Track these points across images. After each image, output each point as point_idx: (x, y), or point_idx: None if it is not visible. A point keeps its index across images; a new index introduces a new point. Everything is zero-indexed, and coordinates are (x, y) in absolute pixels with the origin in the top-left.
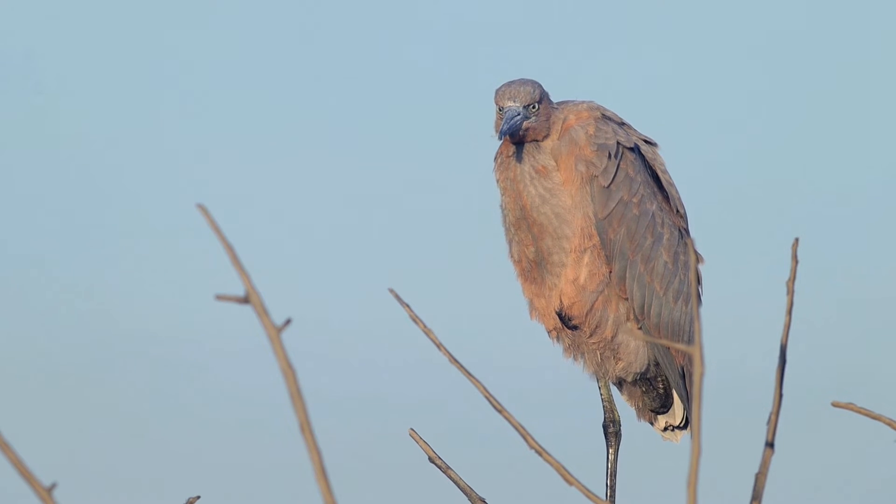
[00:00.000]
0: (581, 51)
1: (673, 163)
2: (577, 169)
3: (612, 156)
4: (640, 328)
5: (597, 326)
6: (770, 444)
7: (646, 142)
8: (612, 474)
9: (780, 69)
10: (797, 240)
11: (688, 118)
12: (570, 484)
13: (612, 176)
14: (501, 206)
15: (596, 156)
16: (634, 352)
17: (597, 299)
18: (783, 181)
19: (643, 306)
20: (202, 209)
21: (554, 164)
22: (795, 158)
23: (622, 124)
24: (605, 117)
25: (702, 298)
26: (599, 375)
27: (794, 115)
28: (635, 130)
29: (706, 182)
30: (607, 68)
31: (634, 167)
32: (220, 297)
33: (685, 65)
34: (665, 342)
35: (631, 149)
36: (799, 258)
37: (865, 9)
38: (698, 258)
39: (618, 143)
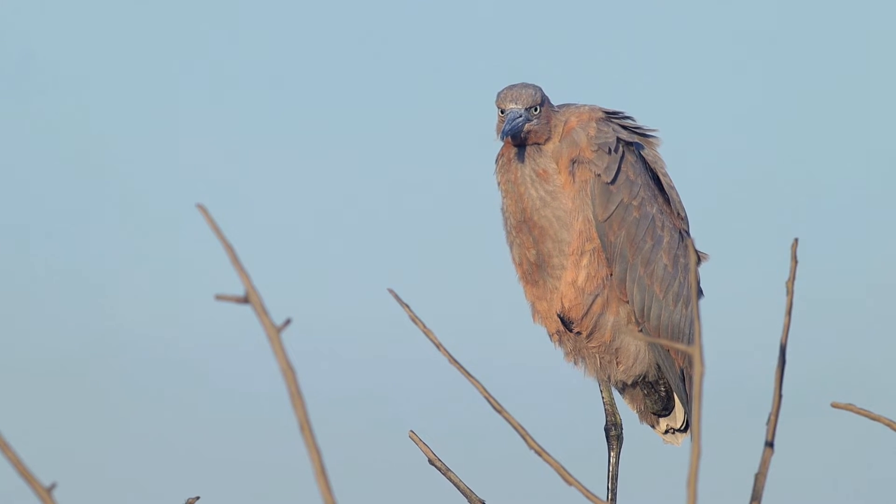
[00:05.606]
0: (580, 48)
1: (672, 161)
2: (578, 170)
3: (612, 151)
4: (640, 331)
5: (595, 329)
6: (770, 444)
7: (645, 135)
8: (613, 477)
9: (781, 67)
10: (797, 240)
11: (687, 116)
12: (570, 484)
13: (615, 173)
14: (502, 208)
15: (596, 155)
16: (634, 355)
17: (595, 302)
18: (783, 181)
19: (643, 309)
20: (202, 209)
21: (555, 166)
22: (796, 158)
23: (625, 126)
24: (608, 117)
25: (703, 293)
26: (601, 379)
27: (794, 114)
28: (635, 121)
29: (705, 181)
30: (607, 66)
31: (635, 170)
32: (220, 297)
33: (685, 63)
34: (664, 342)
35: (631, 148)
36: (798, 258)
37: (868, 7)
38: (701, 257)
39: (618, 139)
